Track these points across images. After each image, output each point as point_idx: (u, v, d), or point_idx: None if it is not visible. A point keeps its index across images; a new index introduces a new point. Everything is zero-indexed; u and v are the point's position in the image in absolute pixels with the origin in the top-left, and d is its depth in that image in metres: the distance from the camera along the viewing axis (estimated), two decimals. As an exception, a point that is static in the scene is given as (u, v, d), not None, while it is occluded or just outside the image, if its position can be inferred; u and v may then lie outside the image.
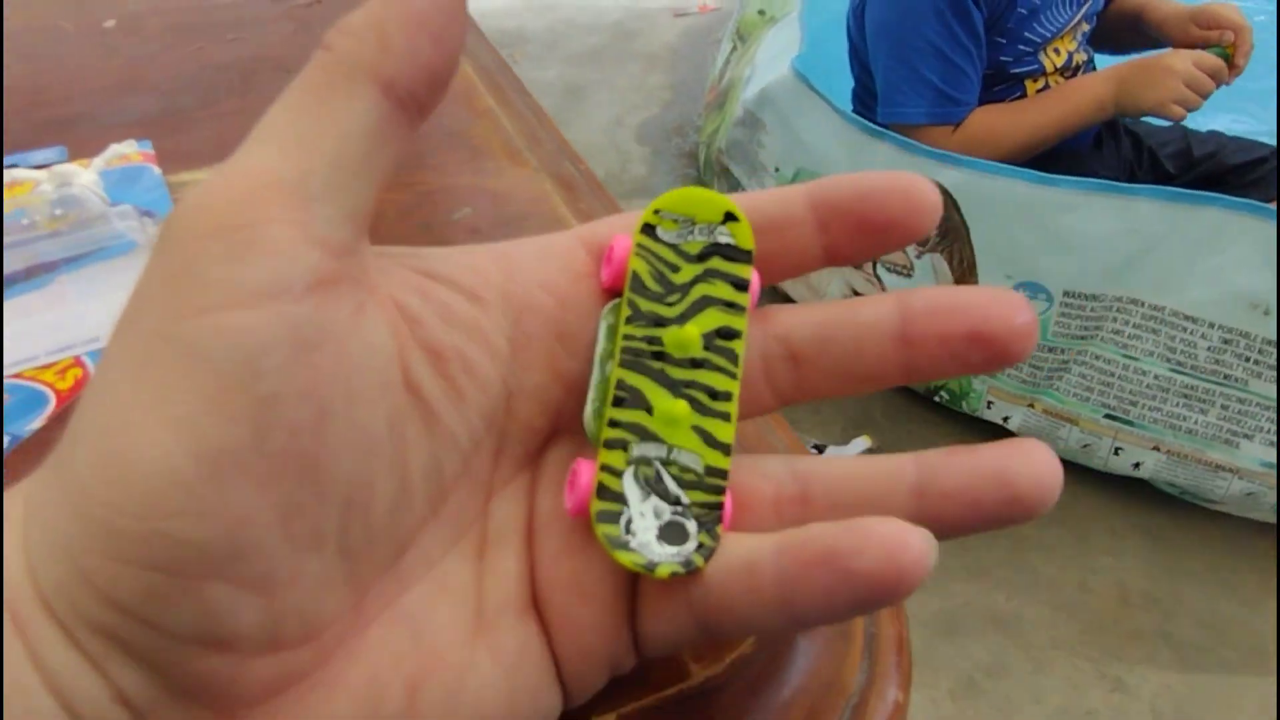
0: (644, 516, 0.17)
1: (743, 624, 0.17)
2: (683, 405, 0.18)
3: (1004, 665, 1.18)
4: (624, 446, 0.18)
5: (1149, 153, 1.45)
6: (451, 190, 0.41)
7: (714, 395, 0.18)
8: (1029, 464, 0.16)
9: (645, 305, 0.18)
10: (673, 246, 0.19)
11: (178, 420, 0.14)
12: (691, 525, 0.17)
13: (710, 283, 0.19)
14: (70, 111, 0.46)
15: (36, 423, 0.29)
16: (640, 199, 1.94)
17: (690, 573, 0.17)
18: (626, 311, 0.18)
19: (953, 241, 1.31)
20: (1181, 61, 1.22)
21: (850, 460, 0.18)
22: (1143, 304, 1.22)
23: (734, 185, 1.68)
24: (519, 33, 2.69)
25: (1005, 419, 1.40)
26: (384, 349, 0.16)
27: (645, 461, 0.18)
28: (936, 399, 1.47)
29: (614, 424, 0.18)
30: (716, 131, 1.79)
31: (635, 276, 0.19)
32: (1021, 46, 1.32)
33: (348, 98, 0.16)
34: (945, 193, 1.27)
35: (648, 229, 0.19)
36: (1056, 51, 1.35)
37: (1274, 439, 1.20)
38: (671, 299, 0.19)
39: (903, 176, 0.18)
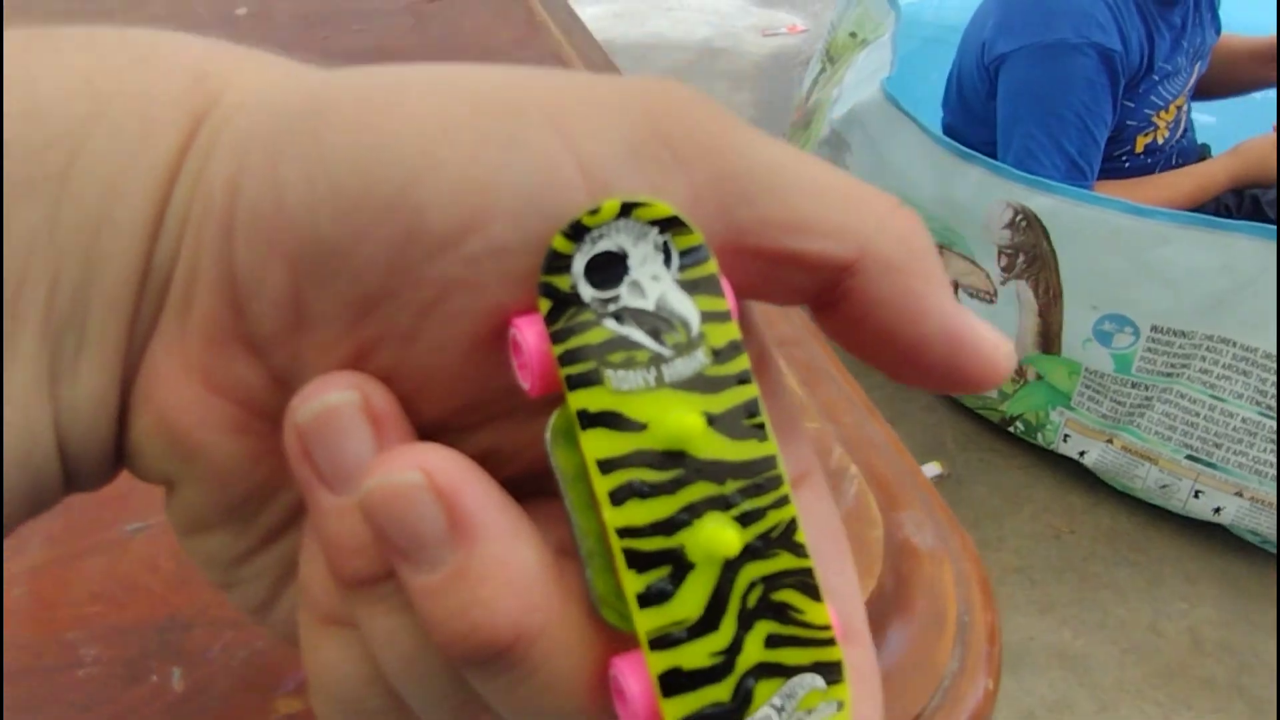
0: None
1: None
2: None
3: (1068, 703, 1.16)
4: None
5: (1250, 199, 1.41)
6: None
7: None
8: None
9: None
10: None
11: None
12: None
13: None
14: (205, 90, 0.49)
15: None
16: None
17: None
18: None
19: (1039, 269, 1.30)
20: None
21: None
22: (1234, 344, 1.18)
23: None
24: (608, 46, 2.68)
25: (1082, 453, 1.37)
26: None
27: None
28: (1011, 429, 1.45)
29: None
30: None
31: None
32: (1147, 110, 1.33)
33: None
34: (1034, 220, 1.26)
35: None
36: (1166, 109, 1.35)
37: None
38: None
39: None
